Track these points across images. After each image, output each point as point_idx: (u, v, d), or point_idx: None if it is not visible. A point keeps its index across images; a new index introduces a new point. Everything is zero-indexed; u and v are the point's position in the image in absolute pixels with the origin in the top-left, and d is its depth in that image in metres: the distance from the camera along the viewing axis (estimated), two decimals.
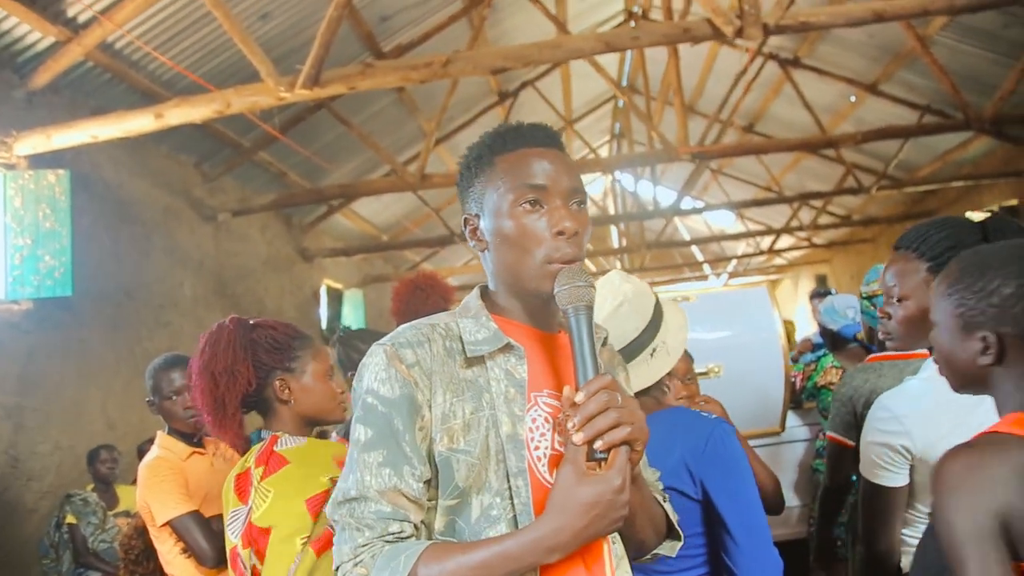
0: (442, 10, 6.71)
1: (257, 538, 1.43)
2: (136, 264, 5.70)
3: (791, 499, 3.26)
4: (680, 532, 1.18)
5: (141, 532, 2.31)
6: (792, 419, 3.30)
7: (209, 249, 6.84)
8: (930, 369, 1.45)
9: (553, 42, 4.01)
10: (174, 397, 2.22)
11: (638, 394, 1.52)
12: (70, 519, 4.30)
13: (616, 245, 14.36)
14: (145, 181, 5.92)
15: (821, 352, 3.31)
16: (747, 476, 1.39)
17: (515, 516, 0.98)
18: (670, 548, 1.18)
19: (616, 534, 1.08)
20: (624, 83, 10.88)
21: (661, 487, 1.20)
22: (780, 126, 9.92)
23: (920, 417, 1.41)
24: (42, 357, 4.63)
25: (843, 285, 13.31)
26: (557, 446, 1.03)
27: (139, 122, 4.39)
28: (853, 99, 8.32)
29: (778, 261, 16.95)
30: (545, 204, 1.04)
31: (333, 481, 1.45)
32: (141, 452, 4.11)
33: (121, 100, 5.25)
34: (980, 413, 1.32)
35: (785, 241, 14.06)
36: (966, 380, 1.15)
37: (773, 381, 2.94)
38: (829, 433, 2.10)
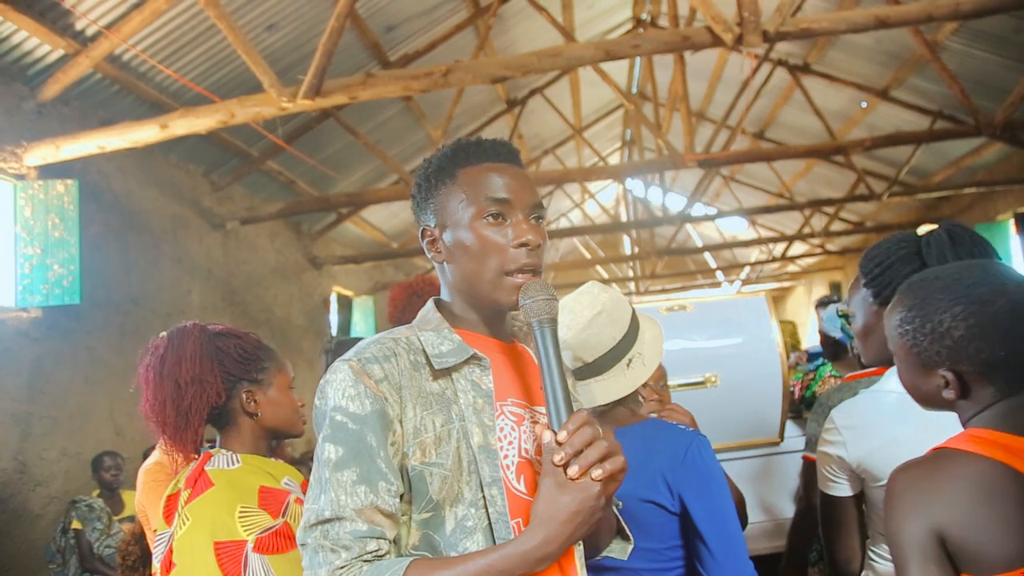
0: (448, 19, 6.74)
1: (169, 567, 1.39)
2: (144, 272, 5.76)
3: (789, 510, 3.22)
4: (630, 534, 1.19)
5: (139, 538, 2.29)
6: (791, 429, 3.27)
7: (218, 257, 6.90)
8: (884, 382, 1.47)
9: (552, 50, 4.02)
10: None
11: (613, 404, 1.51)
12: (76, 524, 4.34)
13: (628, 252, 14.32)
14: (154, 190, 5.99)
15: (820, 361, 3.28)
16: (724, 489, 1.39)
17: (490, 525, 0.99)
18: (620, 551, 1.20)
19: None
20: (634, 90, 10.88)
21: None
22: (791, 132, 9.87)
23: (856, 430, 1.44)
24: (50, 364, 4.69)
25: None
26: (524, 454, 1.05)
27: (145, 133, 4.45)
28: (864, 105, 8.25)
29: (791, 268, 16.84)
30: (508, 217, 1.06)
31: (245, 514, 1.41)
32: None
33: (130, 111, 5.32)
34: (916, 426, 1.35)
35: (798, 248, 13.97)
36: (934, 407, 1.15)
37: (771, 391, 2.92)
38: (805, 452, 2.09)
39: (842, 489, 1.48)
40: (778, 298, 18.80)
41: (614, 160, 13.71)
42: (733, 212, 11.07)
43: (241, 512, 1.42)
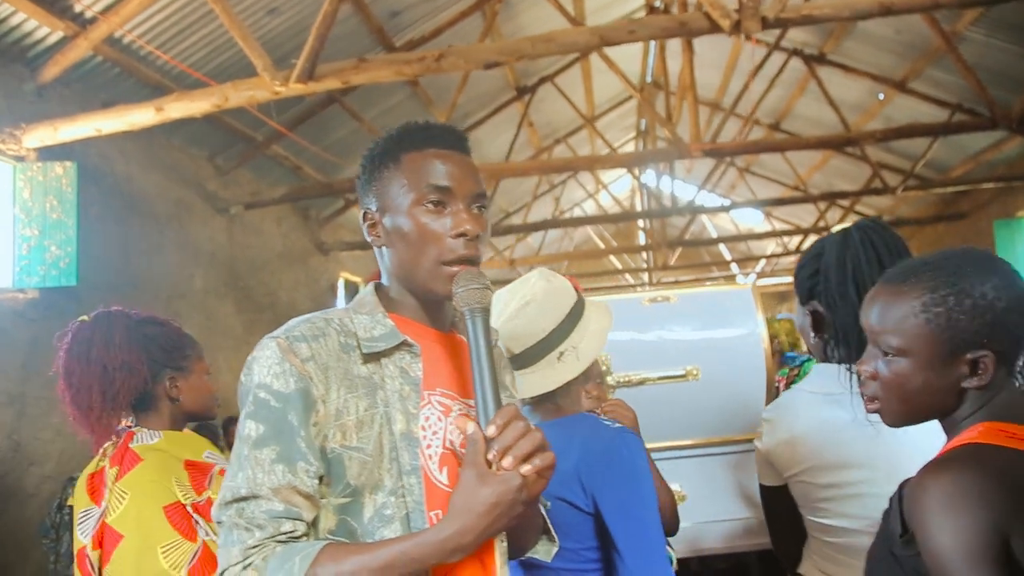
0: (453, 5, 6.68)
1: (109, 541, 1.42)
2: (145, 255, 5.79)
3: None
4: (555, 536, 1.17)
5: None
6: None
7: (222, 241, 6.93)
8: (807, 381, 1.47)
9: (546, 36, 3.95)
10: None
11: (539, 398, 1.46)
12: (71, 501, 4.39)
13: (642, 242, 14.20)
14: (157, 174, 6.01)
15: (805, 358, 3.20)
16: (644, 492, 1.31)
17: (408, 514, 0.98)
18: (545, 552, 1.19)
19: (504, 532, 1.07)
20: (649, 79, 10.73)
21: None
22: (806, 124, 9.69)
23: (771, 423, 1.45)
24: (46, 345, 4.70)
25: None
26: (448, 444, 1.04)
27: (141, 116, 4.46)
28: (881, 97, 8.07)
29: None
30: (448, 205, 1.05)
31: (179, 483, 1.44)
32: None
33: (131, 94, 5.33)
34: (809, 418, 1.37)
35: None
36: (921, 410, 1.02)
37: (754, 385, 2.85)
38: None
39: (768, 479, 1.49)
40: (791, 293, 18.53)
41: (629, 150, 13.57)
42: (746, 204, 10.91)
43: (177, 483, 1.48)
